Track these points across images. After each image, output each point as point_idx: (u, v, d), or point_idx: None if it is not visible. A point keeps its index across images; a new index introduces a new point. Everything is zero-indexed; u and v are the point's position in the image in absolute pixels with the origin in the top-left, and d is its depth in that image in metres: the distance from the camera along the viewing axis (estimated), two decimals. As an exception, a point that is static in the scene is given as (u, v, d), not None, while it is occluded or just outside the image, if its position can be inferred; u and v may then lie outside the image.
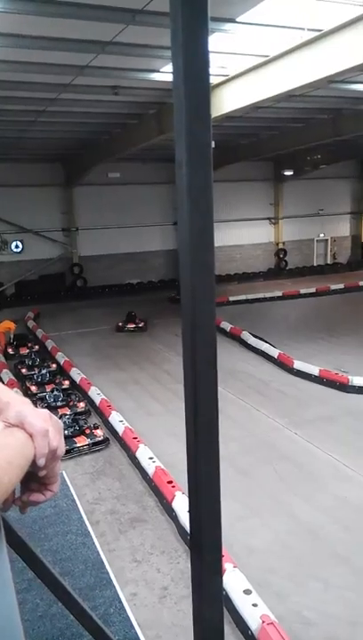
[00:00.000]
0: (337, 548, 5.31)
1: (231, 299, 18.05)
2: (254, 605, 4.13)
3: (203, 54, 0.85)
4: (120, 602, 4.39)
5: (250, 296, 18.27)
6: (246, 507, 6.10)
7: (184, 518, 5.51)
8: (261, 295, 18.43)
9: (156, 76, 9.75)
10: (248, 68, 9.13)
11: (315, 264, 25.03)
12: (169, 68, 7.84)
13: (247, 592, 4.28)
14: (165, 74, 9.61)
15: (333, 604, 4.58)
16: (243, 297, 18.20)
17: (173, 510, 5.76)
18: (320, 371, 10.03)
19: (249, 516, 5.92)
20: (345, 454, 7.18)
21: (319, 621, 4.38)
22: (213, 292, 0.87)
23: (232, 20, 7.56)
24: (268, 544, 5.42)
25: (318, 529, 5.65)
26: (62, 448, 0.86)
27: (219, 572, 1.01)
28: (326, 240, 25.42)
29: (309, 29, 7.44)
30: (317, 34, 7.40)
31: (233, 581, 4.43)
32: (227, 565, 4.61)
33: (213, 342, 0.90)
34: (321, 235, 25.19)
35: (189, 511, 1.00)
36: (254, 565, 5.00)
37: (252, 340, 12.46)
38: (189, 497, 0.99)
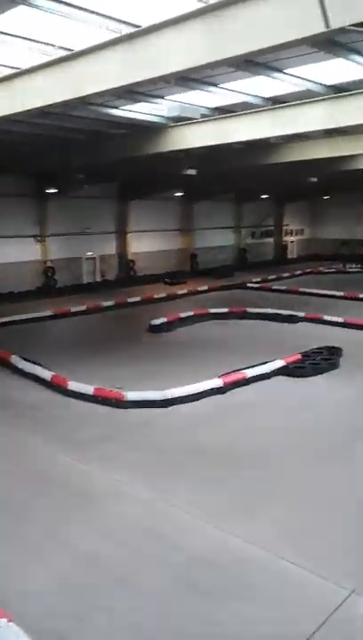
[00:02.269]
0: (119, 571, 5.20)
1: (-2, 321, 16.93)
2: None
3: None
4: None
5: (18, 317, 17.34)
6: (19, 548, 5.59)
7: None
8: (31, 315, 17.69)
9: None
10: (-2, 79, 8.66)
11: (85, 282, 25.22)
12: None
13: (25, 648, 3.85)
14: None
15: (119, 632, 4.43)
16: (10, 318, 17.18)
17: None
18: (95, 389, 9.97)
19: (23, 558, 5.43)
20: (122, 471, 7.18)
21: (105, 657, 4.18)
22: None
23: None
24: (47, 584, 5.02)
25: (98, 555, 5.47)
26: None
27: None
28: (94, 258, 25.88)
29: (59, 47, 7.38)
30: (67, 53, 7.38)
31: (7, 638, 3.95)
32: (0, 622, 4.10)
33: None
34: (89, 253, 25.54)
35: None
36: (32, 612, 4.56)
37: (22, 365, 11.79)
38: None
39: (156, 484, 6.83)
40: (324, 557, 5.33)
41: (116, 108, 12.29)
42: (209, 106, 12.47)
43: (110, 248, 26.40)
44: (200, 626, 4.49)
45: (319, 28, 5.25)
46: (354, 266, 29.99)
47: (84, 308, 19.06)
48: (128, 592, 4.91)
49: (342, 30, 5.25)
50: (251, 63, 9.12)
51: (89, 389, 10.03)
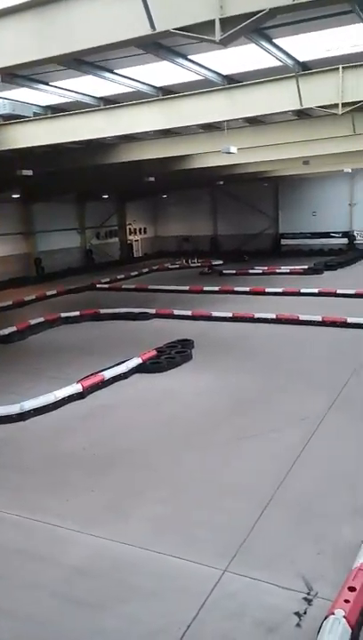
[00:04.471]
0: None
1: None
2: None
3: None
4: None
5: None
6: None
7: None
8: None
9: None
10: None
11: None
12: None
13: None
14: None
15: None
16: None
17: None
18: None
19: None
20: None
21: None
22: None
23: None
24: None
25: (-34, 591, 5.04)
26: None
27: None
28: None
29: None
30: None
31: None
32: None
33: None
34: None
35: None
36: None
37: None
38: None
39: (25, 502, 6.48)
40: (197, 543, 5.53)
41: None
42: (42, 104, 12.10)
43: None
44: (88, 638, 4.38)
45: (146, 30, 5.37)
46: (196, 261, 31.44)
47: None
48: (6, 622, 4.60)
49: (167, 34, 5.43)
50: (81, 62, 9.03)
51: None
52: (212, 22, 5.07)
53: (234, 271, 26.67)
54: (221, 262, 30.28)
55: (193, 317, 16.64)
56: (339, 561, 5.04)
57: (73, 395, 9.94)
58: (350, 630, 4.03)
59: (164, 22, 5.28)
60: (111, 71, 9.83)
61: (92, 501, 6.49)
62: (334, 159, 21.83)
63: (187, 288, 21.98)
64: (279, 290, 20.34)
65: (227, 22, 5.05)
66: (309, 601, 4.63)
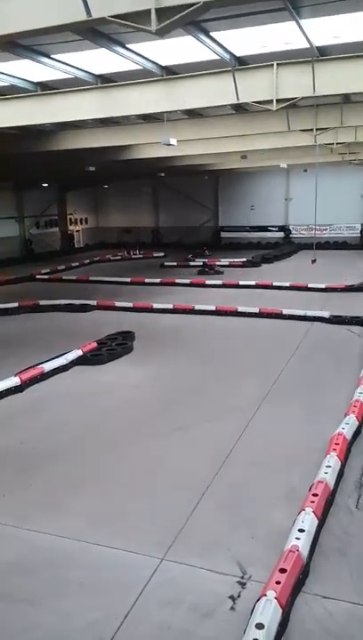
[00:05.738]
0: None
1: None
2: None
3: None
4: None
5: None
6: None
7: None
8: None
9: None
10: None
11: None
12: None
13: None
14: None
15: None
16: None
17: None
18: None
19: None
20: None
21: None
22: None
23: None
24: None
25: None
26: None
27: None
28: None
29: None
30: None
31: None
32: None
33: None
34: None
35: None
36: None
37: None
38: None
39: None
40: (134, 533, 5.56)
41: None
42: (-27, 87, 11.63)
43: None
44: (22, 633, 4.32)
45: (81, 16, 5.28)
46: (137, 252, 31.31)
47: None
48: None
49: (103, 21, 5.35)
50: (16, 45, 8.73)
51: None
52: (148, 12, 5.05)
53: (175, 263, 26.78)
54: (162, 254, 30.36)
55: (134, 309, 16.61)
56: (271, 544, 5.22)
57: (11, 388, 9.70)
58: (280, 610, 4.20)
59: (100, 9, 5.20)
60: (48, 56, 9.57)
61: (29, 496, 6.38)
62: (271, 154, 22.32)
63: (128, 280, 21.89)
64: (219, 282, 20.62)
65: (162, 13, 5.04)
66: (243, 584, 4.77)
